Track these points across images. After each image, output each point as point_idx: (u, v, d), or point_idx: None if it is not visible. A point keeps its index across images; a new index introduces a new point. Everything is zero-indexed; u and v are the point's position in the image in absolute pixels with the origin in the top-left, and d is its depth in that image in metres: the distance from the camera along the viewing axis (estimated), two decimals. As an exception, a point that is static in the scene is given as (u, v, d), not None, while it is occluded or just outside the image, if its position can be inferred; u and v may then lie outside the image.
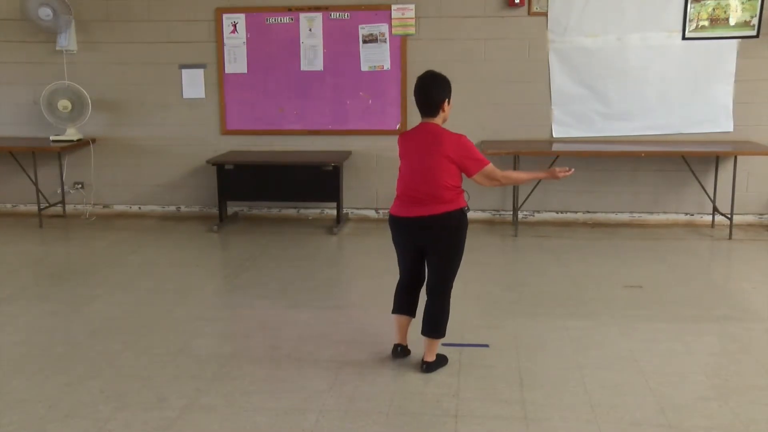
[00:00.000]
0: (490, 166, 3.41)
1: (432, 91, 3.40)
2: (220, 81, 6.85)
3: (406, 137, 3.52)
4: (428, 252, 3.47)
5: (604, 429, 3.00)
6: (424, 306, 3.56)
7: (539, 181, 6.47)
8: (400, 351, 3.65)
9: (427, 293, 3.54)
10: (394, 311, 3.65)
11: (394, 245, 3.62)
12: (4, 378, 3.50)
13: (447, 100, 3.44)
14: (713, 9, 6.27)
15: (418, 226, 3.40)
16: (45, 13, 6.53)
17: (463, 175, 3.44)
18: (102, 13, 6.83)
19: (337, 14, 6.64)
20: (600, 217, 6.75)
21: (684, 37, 6.34)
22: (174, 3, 6.76)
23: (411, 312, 3.62)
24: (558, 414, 3.12)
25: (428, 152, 3.37)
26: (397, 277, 3.69)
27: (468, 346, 3.83)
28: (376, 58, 6.66)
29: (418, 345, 3.63)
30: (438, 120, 3.45)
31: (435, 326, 3.50)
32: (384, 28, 6.60)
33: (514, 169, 6.09)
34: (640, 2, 6.32)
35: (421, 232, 3.41)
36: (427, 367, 3.52)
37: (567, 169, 3.59)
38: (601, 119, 6.55)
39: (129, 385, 3.41)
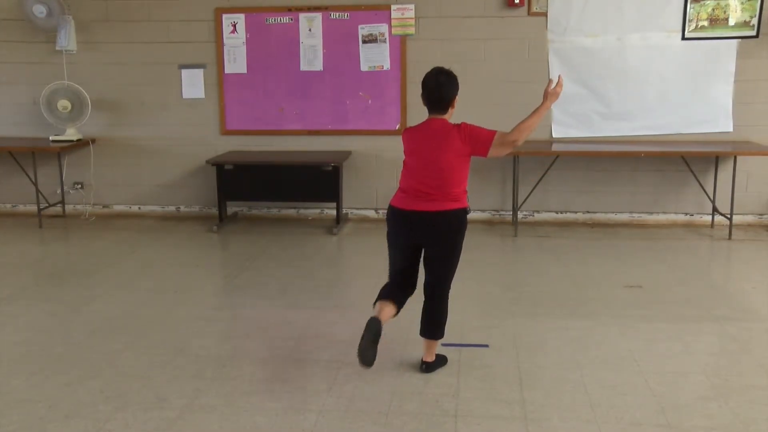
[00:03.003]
0: (499, 135, 3.33)
1: (446, 87, 3.37)
2: (220, 81, 6.85)
3: (414, 132, 3.47)
4: (428, 251, 3.44)
5: (603, 429, 3.00)
6: (422, 307, 3.52)
7: (540, 179, 6.49)
8: (379, 327, 3.27)
9: (426, 295, 3.51)
10: (379, 298, 3.42)
11: (389, 242, 3.53)
12: (4, 378, 3.50)
13: (456, 96, 3.43)
14: (713, 9, 6.27)
15: (423, 221, 3.34)
16: (39, 10, 6.55)
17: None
18: (102, 13, 6.83)
19: (337, 14, 6.64)
20: (600, 217, 6.75)
21: (684, 37, 6.34)
22: (173, 3, 6.76)
23: (399, 303, 3.42)
24: (558, 414, 3.12)
25: (440, 147, 3.34)
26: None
27: (468, 346, 3.83)
28: (375, 58, 6.66)
29: (418, 345, 3.63)
30: (447, 116, 3.43)
31: (435, 327, 3.49)
32: (384, 28, 6.60)
33: (514, 172, 6.06)
34: (639, 2, 6.32)
35: (425, 228, 3.36)
36: (427, 368, 3.52)
37: (557, 81, 3.44)
38: (600, 119, 6.55)
39: (129, 385, 3.41)
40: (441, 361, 3.58)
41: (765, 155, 6.27)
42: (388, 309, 3.38)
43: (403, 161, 3.48)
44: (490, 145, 3.33)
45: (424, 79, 3.41)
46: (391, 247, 3.53)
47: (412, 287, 3.50)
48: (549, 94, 3.41)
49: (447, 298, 3.50)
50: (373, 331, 3.23)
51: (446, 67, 3.46)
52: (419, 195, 3.36)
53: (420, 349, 3.59)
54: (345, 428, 3.02)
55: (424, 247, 3.44)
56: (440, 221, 3.35)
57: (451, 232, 3.38)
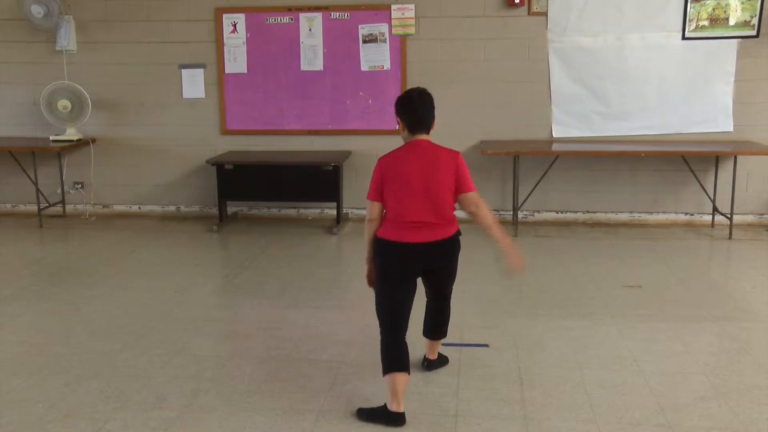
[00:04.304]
0: (476, 193, 3.22)
1: (430, 108, 3.23)
2: (220, 81, 6.85)
3: (398, 158, 3.20)
4: (431, 273, 3.30)
5: (603, 429, 3.00)
6: (425, 310, 3.47)
7: (540, 179, 6.49)
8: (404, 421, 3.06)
9: (429, 298, 3.47)
10: (393, 369, 3.04)
11: (383, 280, 3.20)
12: (4, 378, 3.50)
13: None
14: (713, 9, 6.27)
15: (429, 250, 3.16)
16: (36, 10, 6.55)
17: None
18: (101, 13, 6.83)
19: (337, 14, 6.64)
20: (600, 216, 6.75)
21: (684, 37, 6.34)
22: (173, 3, 6.76)
23: (408, 363, 3.11)
24: (557, 414, 3.12)
25: (433, 170, 3.17)
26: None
27: (468, 346, 3.84)
28: (375, 58, 6.66)
29: (418, 345, 3.62)
30: (430, 136, 3.27)
31: (439, 328, 3.48)
32: (384, 28, 6.60)
33: (514, 172, 6.07)
34: (639, 2, 6.32)
35: (431, 256, 3.19)
36: (429, 365, 3.53)
37: (517, 263, 3.23)
38: (600, 119, 6.55)
39: (128, 385, 3.41)
40: (442, 360, 3.60)
41: (765, 155, 6.27)
42: (403, 381, 3.06)
43: (388, 190, 3.25)
44: (472, 189, 3.18)
45: (405, 102, 3.22)
46: (388, 283, 3.18)
47: (407, 326, 3.20)
48: (507, 257, 3.21)
49: (450, 299, 3.48)
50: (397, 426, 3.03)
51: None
52: (419, 225, 3.15)
53: (420, 348, 3.59)
54: (345, 428, 3.02)
55: (428, 272, 3.27)
56: (443, 248, 3.21)
57: (453, 254, 3.28)
